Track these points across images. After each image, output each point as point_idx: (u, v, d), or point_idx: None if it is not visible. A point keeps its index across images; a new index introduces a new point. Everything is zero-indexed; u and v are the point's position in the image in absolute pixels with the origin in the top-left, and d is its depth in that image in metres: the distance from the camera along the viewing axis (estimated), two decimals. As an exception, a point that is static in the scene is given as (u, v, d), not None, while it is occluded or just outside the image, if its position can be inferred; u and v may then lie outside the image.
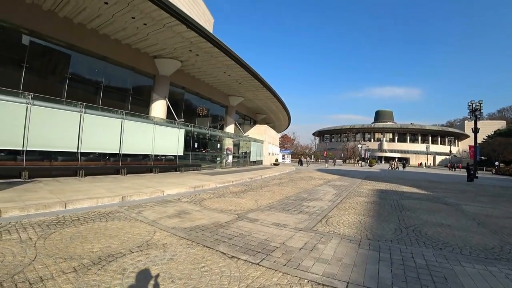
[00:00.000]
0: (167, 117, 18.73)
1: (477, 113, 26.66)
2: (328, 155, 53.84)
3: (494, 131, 65.67)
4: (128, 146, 12.40)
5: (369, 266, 3.52)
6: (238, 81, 22.67)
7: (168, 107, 19.30)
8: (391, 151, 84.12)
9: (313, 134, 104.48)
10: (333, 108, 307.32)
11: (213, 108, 27.22)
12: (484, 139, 61.79)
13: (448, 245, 4.53)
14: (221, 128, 27.98)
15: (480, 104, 26.49)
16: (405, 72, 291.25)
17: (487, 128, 68.39)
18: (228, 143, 24.01)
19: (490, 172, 42.38)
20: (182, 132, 16.03)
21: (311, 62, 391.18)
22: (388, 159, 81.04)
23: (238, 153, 25.91)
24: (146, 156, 14.10)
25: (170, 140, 15.14)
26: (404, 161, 53.37)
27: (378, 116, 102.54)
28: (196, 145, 18.30)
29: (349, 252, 4.00)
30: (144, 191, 7.89)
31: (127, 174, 12.10)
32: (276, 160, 34.95)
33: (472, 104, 26.92)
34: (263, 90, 25.59)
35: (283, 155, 47.48)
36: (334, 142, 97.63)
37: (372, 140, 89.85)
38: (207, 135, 20.76)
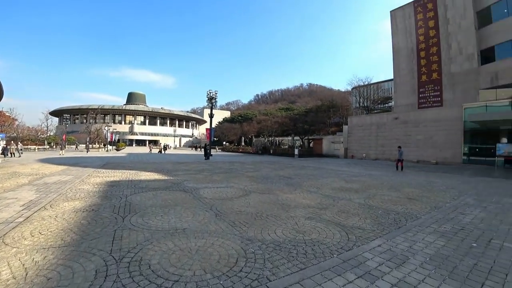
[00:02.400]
0: None
1: (213, 101, 31.44)
2: (70, 139, 43.02)
3: (223, 118, 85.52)
4: None
5: None
6: None
7: None
8: (142, 134, 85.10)
9: (50, 113, 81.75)
10: (79, 85, 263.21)
11: None
12: (216, 124, 78.24)
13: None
14: None
15: (216, 93, 31.46)
16: (163, 60, 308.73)
17: (219, 116, 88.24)
18: None
19: (220, 150, 53.83)
20: None
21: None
22: (139, 142, 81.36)
23: None
24: None
25: None
26: (162, 144, 54.80)
27: (131, 98, 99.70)
28: None
29: None
30: None
31: None
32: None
33: (210, 93, 31.38)
34: None
35: (-13, 142, 31.30)
36: (78, 124, 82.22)
37: (123, 122, 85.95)
38: None
